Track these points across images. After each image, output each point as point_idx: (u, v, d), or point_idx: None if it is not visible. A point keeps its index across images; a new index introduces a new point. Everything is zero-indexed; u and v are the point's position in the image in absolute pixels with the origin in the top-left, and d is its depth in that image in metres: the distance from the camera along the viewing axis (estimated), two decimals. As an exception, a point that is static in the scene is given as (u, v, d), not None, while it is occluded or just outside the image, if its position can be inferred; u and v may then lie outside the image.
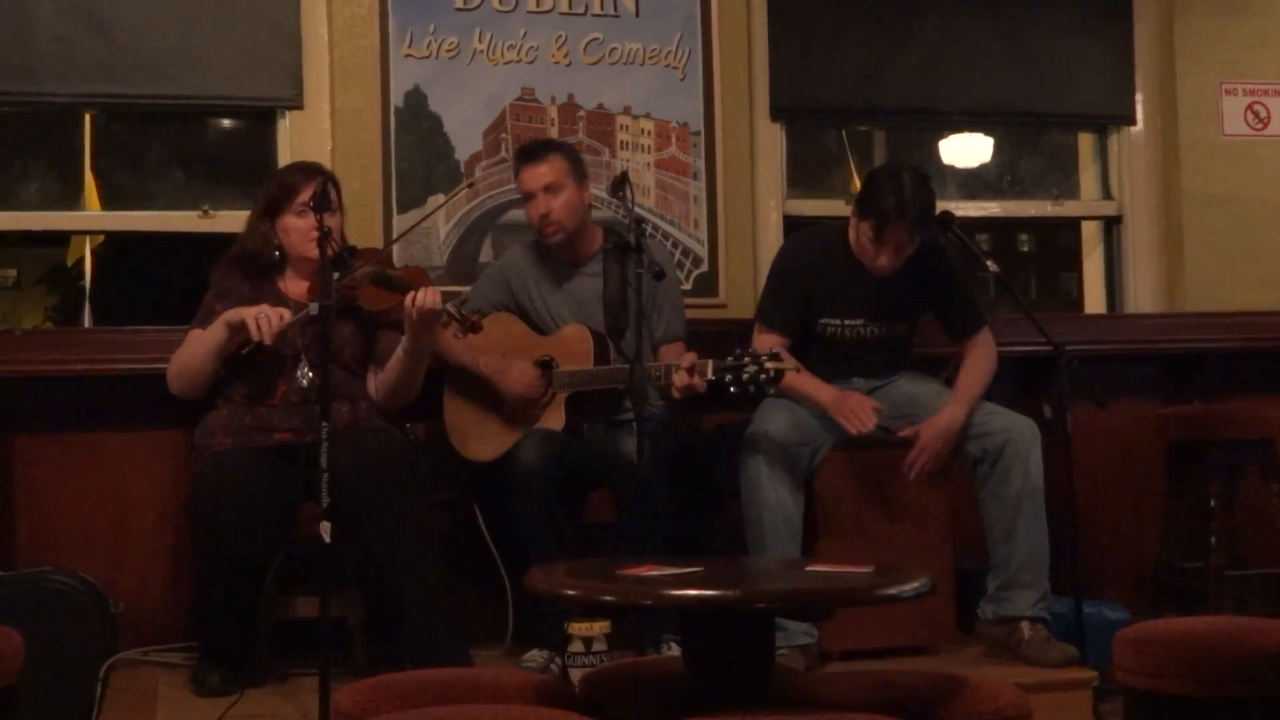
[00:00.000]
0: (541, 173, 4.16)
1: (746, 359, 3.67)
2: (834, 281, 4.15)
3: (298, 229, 3.95)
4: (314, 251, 3.87)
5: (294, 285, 4.00)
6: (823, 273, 4.16)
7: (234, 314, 3.79)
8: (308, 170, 4.02)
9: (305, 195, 3.92)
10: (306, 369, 3.84)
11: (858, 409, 3.96)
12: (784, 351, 3.84)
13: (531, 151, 4.24)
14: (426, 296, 3.74)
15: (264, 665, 3.82)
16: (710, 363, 3.74)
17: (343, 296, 3.75)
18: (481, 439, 4.17)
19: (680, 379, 3.79)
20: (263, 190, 4.05)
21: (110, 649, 4.02)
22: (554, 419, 4.09)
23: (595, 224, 4.32)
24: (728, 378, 3.69)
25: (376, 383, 3.99)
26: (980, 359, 4.22)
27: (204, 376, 3.88)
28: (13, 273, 17.31)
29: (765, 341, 4.08)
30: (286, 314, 3.76)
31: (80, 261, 5.92)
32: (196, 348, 3.87)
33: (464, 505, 4.29)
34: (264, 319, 3.71)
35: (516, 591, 4.14)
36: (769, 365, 3.64)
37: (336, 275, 3.66)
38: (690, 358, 3.81)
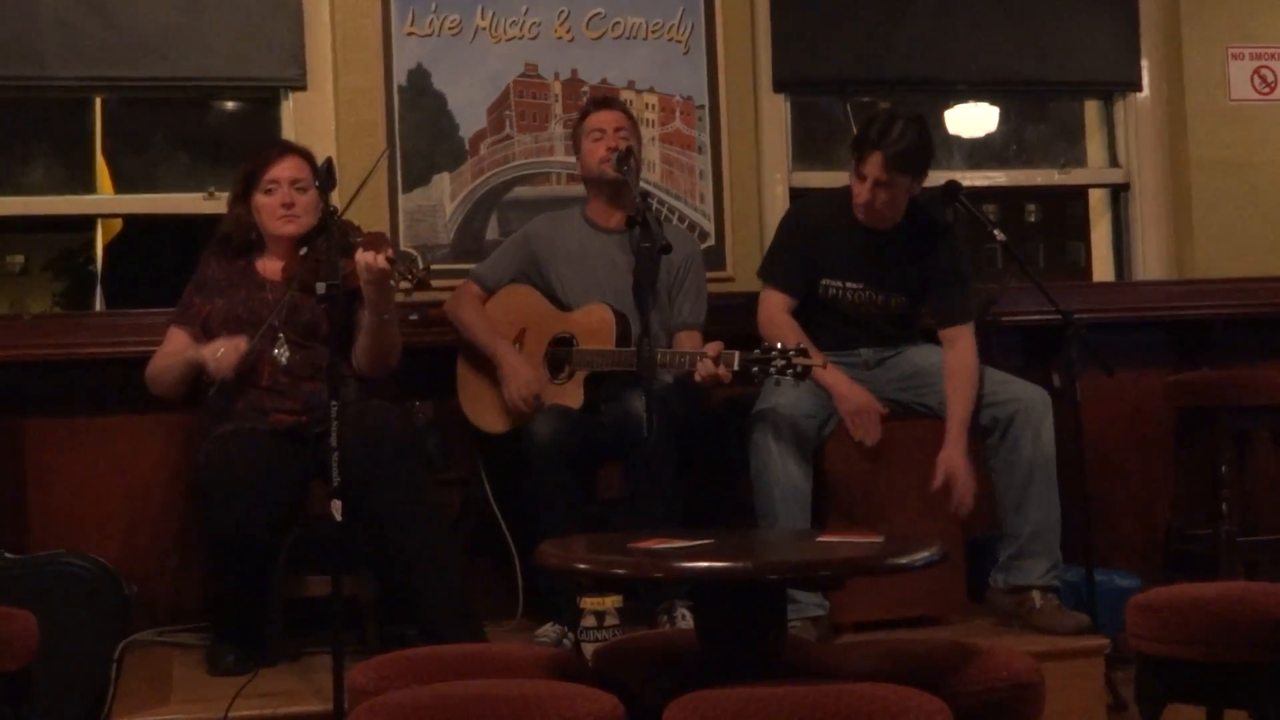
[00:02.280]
0: (617, 117, 4.26)
1: (774, 353, 3.68)
2: (836, 242, 4.14)
3: (267, 206, 3.95)
4: (285, 229, 3.92)
5: (270, 265, 4.00)
6: (826, 232, 4.16)
7: (195, 354, 3.81)
8: (279, 148, 4.04)
9: (272, 173, 3.92)
10: (284, 347, 3.84)
11: (865, 419, 4.00)
12: (812, 349, 3.85)
13: (606, 101, 4.39)
14: (369, 256, 3.64)
15: (277, 644, 3.83)
16: (737, 354, 3.74)
17: (307, 272, 3.72)
18: (496, 410, 4.18)
19: (706, 368, 3.79)
20: (237, 172, 4.05)
21: (124, 630, 4.03)
22: (572, 397, 4.08)
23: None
24: (754, 369, 3.69)
25: (355, 354, 3.95)
26: (962, 372, 4.07)
27: (175, 392, 3.94)
28: (20, 258, 17.32)
29: (772, 299, 4.13)
30: (242, 343, 3.75)
31: (88, 246, 5.92)
32: (166, 370, 3.90)
33: (474, 482, 4.30)
34: (221, 355, 3.73)
35: (526, 566, 4.16)
36: (796, 360, 3.64)
37: (303, 252, 3.65)
38: (716, 347, 3.81)
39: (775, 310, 4.12)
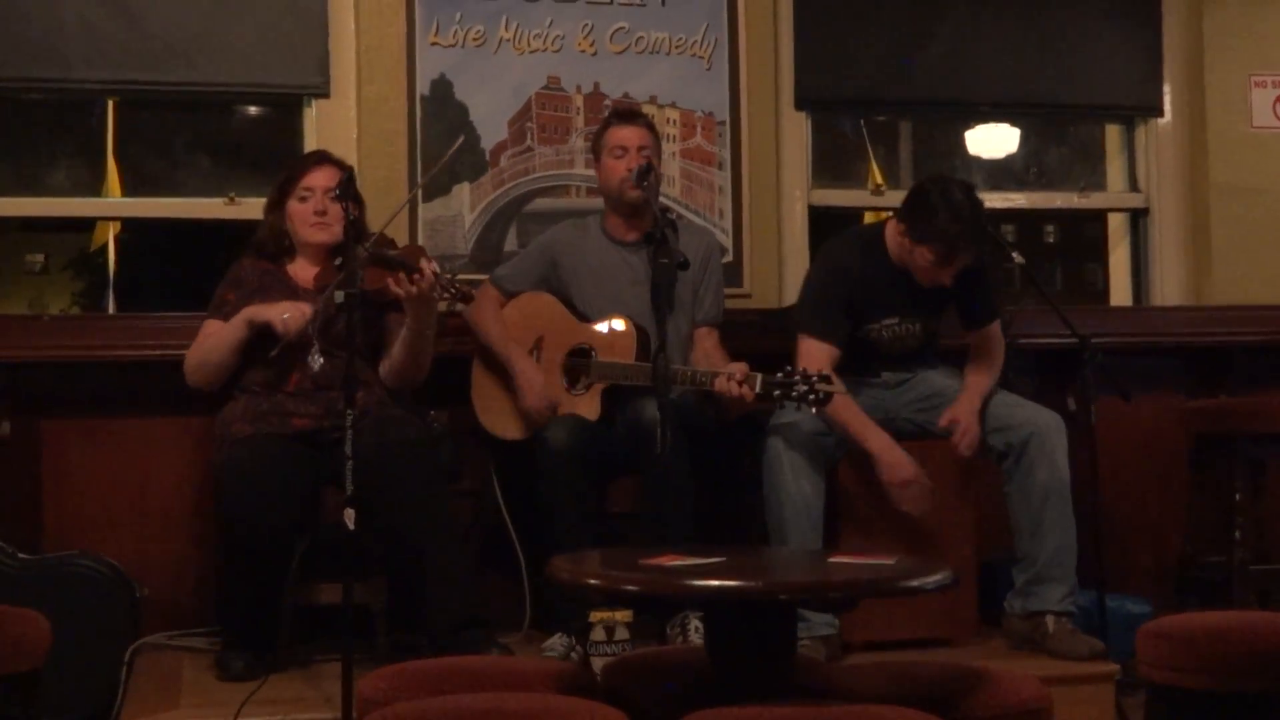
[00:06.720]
0: (641, 133, 4.23)
1: (797, 377, 3.68)
2: (878, 287, 4.11)
3: (299, 214, 3.99)
4: (316, 237, 3.96)
5: (303, 272, 4.03)
6: (866, 279, 4.11)
7: (257, 313, 3.84)
8: (315, 157, 4.08)
9: (308, 181, 3.96)
10: (318, 355, 3.85)
11: (913, 491, 3.96)
12: (834, 375, 3.83)
13: (630, 114, 4.36)
14: (422, 268, 3.73)
15: (287, 651, 3.84)
16: (760, 376, 3.75)
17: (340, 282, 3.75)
18: (510, 416, 4.19)
19: (731, 389, 3.79)
20: (275, 179, 4.10)
21: (134, 633, 4.05)
22: (588, 408, 4.08)
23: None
24: (776, 393, 3.70)
25: (385, 366, 4.00)
26: (987, 355, 4.21)
27: (224, 371, 3.93)
28: (40, 258, 17.38)
29: (813, 351, 4.03)
30: (308, 309, 3.78)
31: (104, 247, 5.95)
32: (217, 343, 3.91)
33: (485, 490, 4.30)
34: (289, 319, 3.77)
35: (535, 577, 4.16)
36: (820, 387, 3.65)
37: (338, 262, 3.67)
38: (742, 368, 3.82)
39: (820, 365, 3.98)
